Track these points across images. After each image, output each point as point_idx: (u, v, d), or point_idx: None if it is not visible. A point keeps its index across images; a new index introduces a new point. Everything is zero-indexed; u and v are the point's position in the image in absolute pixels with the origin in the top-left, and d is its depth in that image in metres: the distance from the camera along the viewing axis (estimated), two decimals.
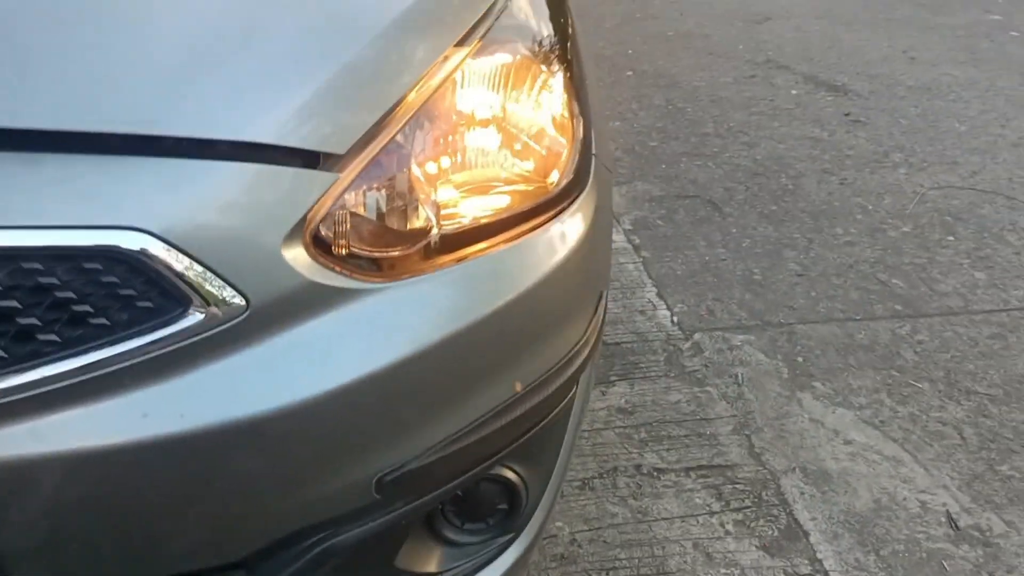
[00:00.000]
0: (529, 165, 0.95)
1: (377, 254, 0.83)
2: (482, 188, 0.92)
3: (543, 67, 0.98)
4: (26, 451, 0.70)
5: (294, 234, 0.76)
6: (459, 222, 0.88)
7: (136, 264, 0.70)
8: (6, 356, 0.69)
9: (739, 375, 1.99)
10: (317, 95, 0.78)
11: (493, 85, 0.93)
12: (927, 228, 2.64)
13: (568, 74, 1.01)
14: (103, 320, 0.70)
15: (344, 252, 0.80)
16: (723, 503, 1.63)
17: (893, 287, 2.34)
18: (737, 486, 1.67)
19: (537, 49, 0.98)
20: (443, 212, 0.88)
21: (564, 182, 0.96)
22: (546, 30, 1.01)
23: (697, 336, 2.13)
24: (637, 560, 1.51)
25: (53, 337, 0.69)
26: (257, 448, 0.76)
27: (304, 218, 0.76)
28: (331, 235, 0.79)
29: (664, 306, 2.25)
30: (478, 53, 0.91)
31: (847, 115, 3.51)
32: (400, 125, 0.83)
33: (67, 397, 0.70)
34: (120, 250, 0.69)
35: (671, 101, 3.67)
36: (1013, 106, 3.59)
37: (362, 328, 0.80)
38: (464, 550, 1.02)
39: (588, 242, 0.96)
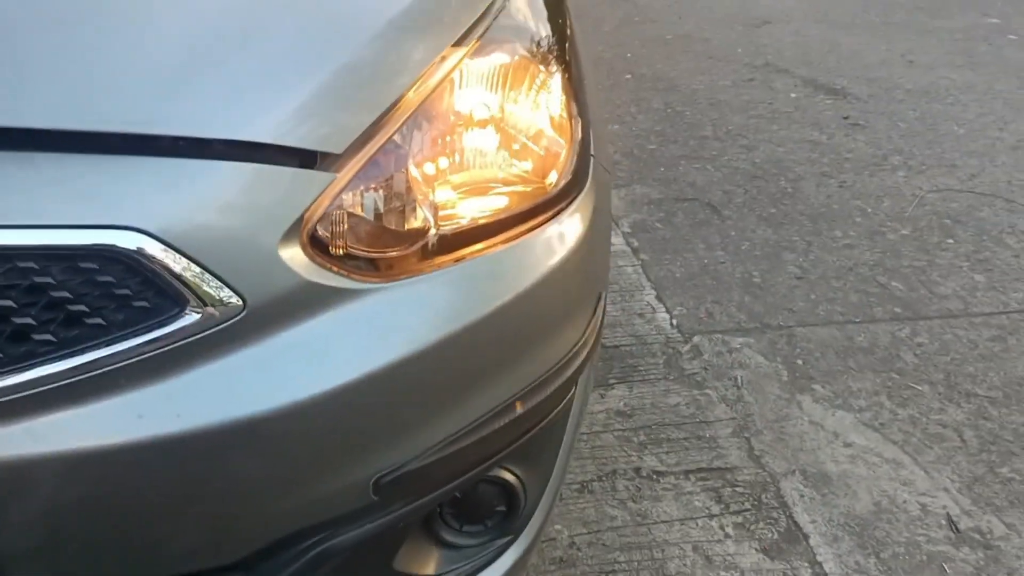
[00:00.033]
0: (527, 166, 0.95)
1: (374, 254, 0.83)
2: (480, 189, 0.92)
3: (541, 67, 0.98)
4: (22, 451, 0.69)
5: (291, 234, 0.76)
6: (457, 223, 0.88)
7: (132, 264, 0.70)
8: (1, 356, 0.68)
9: (738, 378, 1.98)
10: (315, 95, 0.78)
11: (491, 85, 0.93)
12: (926, 231, 2.64)
13: (566, 75, 1.01)
14: (99, 320, 0.70)
15: (341, 252, 0.80)
16: (723, 506, 1.63)
17: (892, 290, 2.33)
18: (737, 489, 1.67)
19: (535, 49, 0.98)
20: (441, 213, 0.87)
21: (562, 183, 0.96)
22: (544, 31, 1.01)
23: (696, 339, 2.13)
24: (636, 563, 1.50)
25: (48, 337, 0.69)
26: (254, 449, 0.76)
27: (301, 218, 0.76)
28: (328, 235, 0.79)
29: (663, 309, 2.25)
30: (476, 53, 0.91)
31: (846, 118, 3.51)
32: (398, 125, 0.83)
33: (63, 397, 0.70)
34: (116, 249, 0.69)
35: (670, 104, 3.67)
36: (1011, 109, 3.59)
37: (359, 328, 0.79)
38: (462, 552, 1.02)
39: (587, 243, 0.96)
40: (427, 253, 0.85)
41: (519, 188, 0.94)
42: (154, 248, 0.70)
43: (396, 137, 0.83)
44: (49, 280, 0.68)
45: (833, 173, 3.03)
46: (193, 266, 0.71)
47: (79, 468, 0.71)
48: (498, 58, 0.94)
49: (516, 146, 0.95)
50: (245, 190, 0.74)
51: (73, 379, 0.70)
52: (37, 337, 0.69)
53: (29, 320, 0.68)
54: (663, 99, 3.72)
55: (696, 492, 1.66)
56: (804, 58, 4.25)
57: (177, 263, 0.71)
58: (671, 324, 2.19)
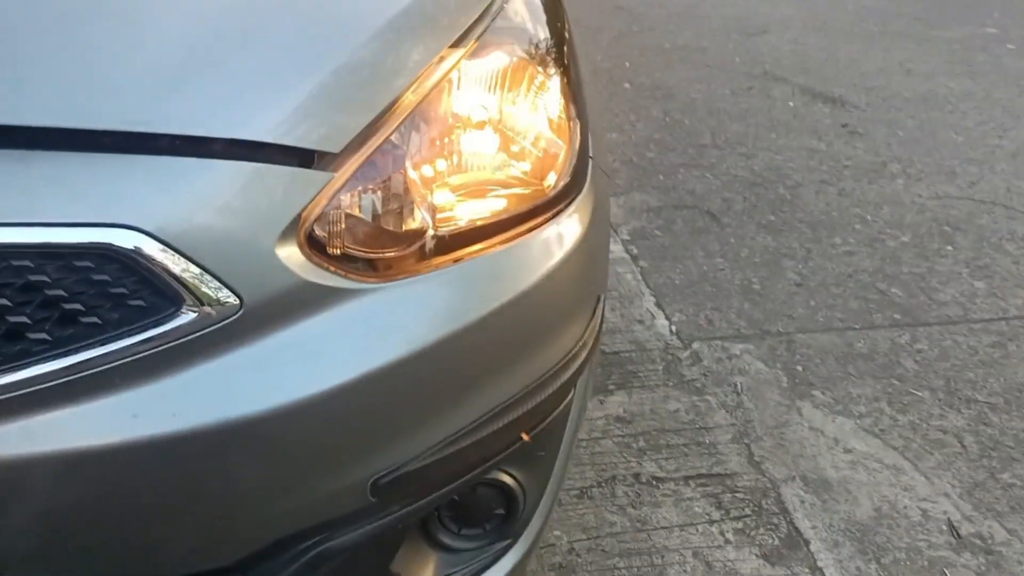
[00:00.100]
0: (526, 167, 0.95)
1: (372, 255, 0.82)
2: (478, 190, 0.92)
3: (539, 69, 0.98)
4: (18, 450, 0.69)
5: (288, 233, 0.75)
6: (455, 224, 0.88)
7: (128, 262, 0.69)
8: None
9: (738, 384, 1.98)
10: (313, 95, 0.78)
11: (489, 87, 0.93)
12: (926, 238, 2.64)
13: (565, 77, 1.01)
14: (94, 319, 0.70)
15: (339, 252, 0.80)
16: (723, 512, 1.62)
17: (892, 296, 2.33)
18: (737, 495, 1.66)
19: (533, 51, 0.98)
20: (439, 214, 0.87)
21: (561, 184, 0.95)
22: (542, 32, 1.01)
23: (696, 345, 2.12)
24: (636, 569, 1.50)
25: (44, 336, 0.69)
26: (250, 449, 0.76)
27: (299, 217, 0.76)
28: (326, 235, 0.79)
29: (663, 315, 2.25)
30: (474, 54, 0.91)
31: (844, 126, 3.52)
32: (395, 126, 0.83)
33: (58, 396, 0.70)
34: (113, 248, 0.69)
35: (668, 113, 3.68)
36: (1010, 117, 3.60)
37: (357, 328, 0.79)
38: (460, 556, 1.01)
39: (585, 244, 0.96)
40: (425, 254, 0.85)
41: (517, 189, 0.94)
42: (151, 247, 0.70)
43: (394, 138, 0.83)
44: (45, 278, 0.68)
45: (832, 181, 3.03)
46: (190, 265, 0.71)
47: (75, 468, 0.71)
48: (496, 59, 0.94)
49: (514, 147, 0.95)
50: (243, 189, 0.74)
51: (68, 378, 0.70)
52: (32, 336, 0.69)
53: (24, 319, 0.68)
54: (662, 108, 3.73)
55: (696, 498, 1.65)
56: (802, 67, 4.26)
57: (174, 262, 0.70)
58: (670, 330, 2.18)
